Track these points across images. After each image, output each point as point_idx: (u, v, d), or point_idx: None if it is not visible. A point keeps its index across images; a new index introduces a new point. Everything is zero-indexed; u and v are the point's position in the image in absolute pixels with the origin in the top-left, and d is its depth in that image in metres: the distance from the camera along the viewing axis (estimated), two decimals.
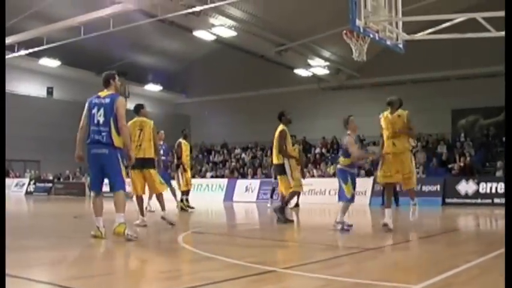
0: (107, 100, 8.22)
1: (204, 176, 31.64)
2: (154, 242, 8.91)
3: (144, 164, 10.33)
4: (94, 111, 8.23)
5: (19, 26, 32.41)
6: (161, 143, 14.22)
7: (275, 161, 11.57)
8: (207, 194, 26.45)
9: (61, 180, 35.24)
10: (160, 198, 10.78)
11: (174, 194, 15.38)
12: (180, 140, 16.18)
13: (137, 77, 42.88)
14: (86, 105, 8.47)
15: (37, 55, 35.95)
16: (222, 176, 30.04)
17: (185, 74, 44.76)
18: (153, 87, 45.00)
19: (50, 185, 34.05)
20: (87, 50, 35.05)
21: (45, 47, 32.63)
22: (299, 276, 5.21)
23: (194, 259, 6.49)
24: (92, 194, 8.42)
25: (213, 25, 28.65)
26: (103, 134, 8.03)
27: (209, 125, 44.00)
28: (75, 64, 39.23)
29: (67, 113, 40.79)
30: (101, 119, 8.11)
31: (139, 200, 10.49)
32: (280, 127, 11.48)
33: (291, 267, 5.57)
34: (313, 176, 24.94)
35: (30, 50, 34.08)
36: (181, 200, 16.06)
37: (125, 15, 27.80)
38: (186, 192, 16.18)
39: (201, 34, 30.11)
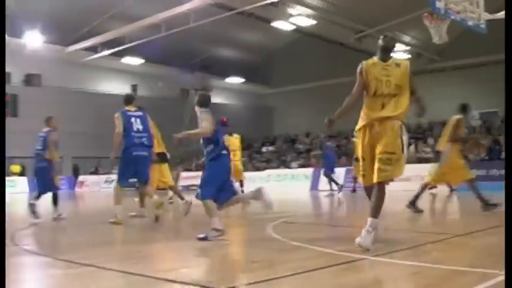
0: (140, 113, 10.70)
1: (289, 167, 31.73)
2: (244, 233, 9.10)
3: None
4: (132, 120, 10.31)
5: (101, 27, 33.44)
6: None
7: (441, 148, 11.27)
8: (293, 184, 26.54)
9: None
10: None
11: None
12: None
13: (219, 70, 43.42)
14: (120, 116, 10.45)
15: (120, 54, 36.99)
16: (307, 166, 29.98)
17: (266, 65, 44.95)
18: (235, 80, 45.43)
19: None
20: (169, 47, 35.70)
21: (127, 46, 33.57)
22: (389, 264, 5.22)
23: (285, 248, 6.55)
24: (119, 185, 10.31)
25: (291, 15, 28.71)
26: (143, 139, 10.19)
27: (292, 115, 44.10)
28: (158, 61, 40.05)
29: (152, 109, 41.91)
30: (140, 127, 10.28)
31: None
32: (459, 116, 11.15)
33: (381, 255, 5.55)
34: None
35: (113, 50, 35.13)
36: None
37: (204, 9, 28.22)
38: None
39: (279, 24, 30.24)
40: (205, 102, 8.06)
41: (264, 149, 40.35)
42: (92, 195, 28.20)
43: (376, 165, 6.07)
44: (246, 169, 21.20)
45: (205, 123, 7.58)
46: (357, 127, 6.39)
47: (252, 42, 40.21)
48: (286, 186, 25.32)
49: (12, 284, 4.57)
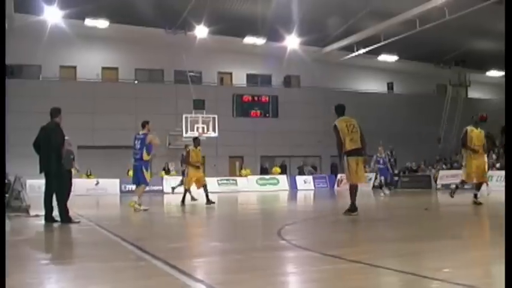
0: (142, 136, 15.10)
1: None
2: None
3: None
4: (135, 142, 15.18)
5: (356, 26, 33.76)
6: None
7: None
8: None
9: (406, 173, 35.49)
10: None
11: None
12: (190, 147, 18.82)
13: (477, 63, 41.47)
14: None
15: (375, 52, 37.04)
16: None
17: None
18: (496, 73, 43.06)
19: (396, 178, 34.53)
20: (424, 42, 34.91)
21: (382, 43, 33.50)
22: None
23: None
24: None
25: None
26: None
27: None
28: (413, 57, 39.40)
29: (408, 106, 41.42)
30: (138, 146, 15.06)
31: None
32: None
33: None
34: None
35: (369, 48, 35.29)
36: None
37: (460, 1, 27.14)
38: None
39: None
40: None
41: None
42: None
43: None
44: None
45: None
46: None
47: None
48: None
49: (279, 277, 4.69)
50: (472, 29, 35.59)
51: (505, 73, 4.48)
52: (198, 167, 18.34)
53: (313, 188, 37.50)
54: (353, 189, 11.68)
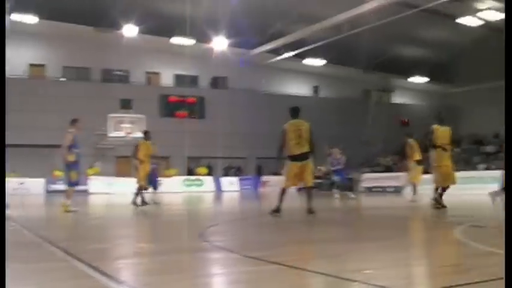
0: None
1: (475, 168, 30.30)
2: (430, 236, 8.79)
3: None
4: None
5: (284, 29, 34.12)
6: None
7: None
8: (479, 186, 25.22)
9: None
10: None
11: None
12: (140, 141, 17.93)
13: (401, 69, 42.59)
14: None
15: (302, 56, 37.50)
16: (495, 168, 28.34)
17: (452, 64, 43.36)
18: (418, 79, 44.33)
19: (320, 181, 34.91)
20: (350, 47, 35.59)
21: (309, 47, 33.97)
22: None
23: (476, 254, 6.25)
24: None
25: (479, 9, 27.41)
26: None
27: (479, 115, 42.10)
28: (340, 62, 40.08)
29: (333, 110, 42.16)
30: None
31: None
32: None
33: None
34: None
35: (295, 52, 35.72)
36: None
37: (387, 8, 27.83)
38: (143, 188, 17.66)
39: (466, 20, 29.02)
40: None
41: None
42: (274, 195, 28.76)
43: None
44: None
45: None
46: None
47: (436, 40, 38.97)
48: (472, 189, 24.15)
49: (203, 278, 4.72)
50: (397, 36, 36.62)
51: (505, 73, 4.62)
52: (147, 162, 17.59)
53: (238, 189, 37.66)
54: (283, 192, 11.73)
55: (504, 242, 4.06)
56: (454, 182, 14.00)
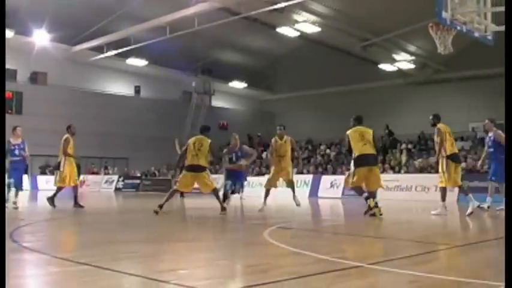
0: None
1: None
2: (240, 237, 9.04)
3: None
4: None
5: (107, 27, 33.41)
6: None
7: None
8: (288, 190, 26.27)
9: (148, 176, 35.89)
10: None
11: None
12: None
13: (222, 74, 43.35)
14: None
15: (125, 55, 36.97)
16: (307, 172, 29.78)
17: (270, 71, 44.92)
18: (238, 85, 45.33)
19: (138, 181, 34.81)
20: (173, 49, 35.64)
21: (132, 47, 33.57)
22: (386, 272, 5.15)
23: (281, 254, 6.54)
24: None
25: (297, 21, 28.66)
26: None
27: (294, 122, 43.98)
28: (162, 63, 39.99)
29: (154, 110, 41.99)
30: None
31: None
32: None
33: (378, 263, 5.50)
34: (398, 172, 24.62)
35: (118, 51, 35.13)
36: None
37: (210, 13, 28.23)
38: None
39: (284, 31, 30.19)
40: None
41: (263, 155, 40.22)
42: (91, 195, 28.18)
43: None
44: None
45: None
46: None
47: (256, 48, 40.12)
48: (286, 192, 25.15)
49: (10, 280, 4.52)
50: (219, 41, 37.23)
51: (505, 73, 4.76)
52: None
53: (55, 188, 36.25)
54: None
55: (504, 241, 4.19)
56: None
